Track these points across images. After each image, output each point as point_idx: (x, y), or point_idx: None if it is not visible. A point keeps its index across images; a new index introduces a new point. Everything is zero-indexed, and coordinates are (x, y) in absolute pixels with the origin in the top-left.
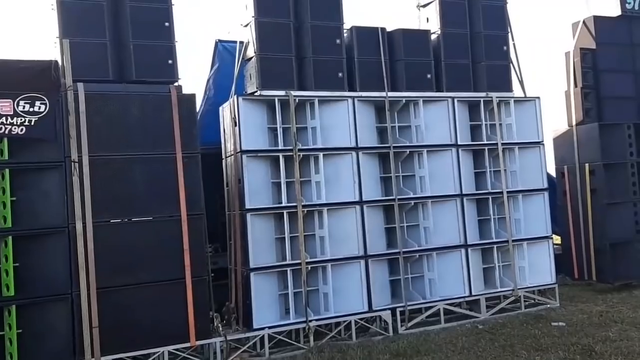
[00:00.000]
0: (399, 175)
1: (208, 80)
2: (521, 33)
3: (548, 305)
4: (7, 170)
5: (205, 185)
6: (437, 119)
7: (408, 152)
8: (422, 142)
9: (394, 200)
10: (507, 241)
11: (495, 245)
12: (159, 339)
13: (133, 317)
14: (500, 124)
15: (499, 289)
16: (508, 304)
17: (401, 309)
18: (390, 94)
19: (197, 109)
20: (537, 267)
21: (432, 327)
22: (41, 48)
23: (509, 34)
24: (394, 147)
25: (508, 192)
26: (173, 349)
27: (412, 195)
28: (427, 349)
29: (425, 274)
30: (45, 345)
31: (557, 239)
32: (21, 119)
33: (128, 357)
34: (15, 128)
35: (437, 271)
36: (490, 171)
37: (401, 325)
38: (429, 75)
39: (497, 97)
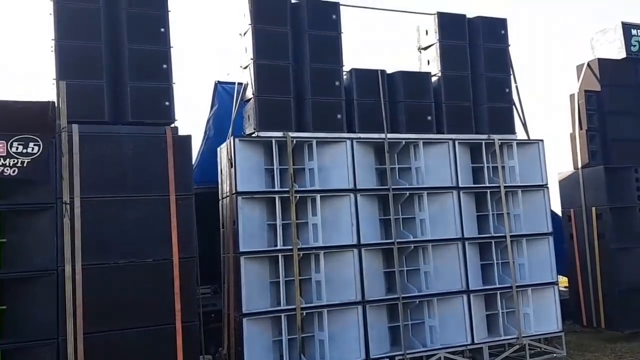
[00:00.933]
0: (399, 218)
1: (208, 121)
2: (524, 75)
3: (554, 355)
4: None
5: (206, 225)
6: (437, 160)
7: (408, 194)
8: (423, 185)
9: (393, 243)
10: (511, 287)
11: (498, 292)
12: None
13: None
14: (503, 167)
15: (503, 337)
16: (512, 352)
17: (400, 357)
18: (389, 135)
19: (198, 149)
20: (542, 314)
21: None
22: (37, 88)
23: (512, 76)
24: (394, 189)
25: (512, 236)
26: None
27: (412, 239)
28: None
29: (426, 321)
30: None
31: (564, 281)
32: (14, 160)
33: None
34: (7, 169)
35: (438, 318)
36: (493, 214)
37: None
38: (429, 117)
39: (499, 139)
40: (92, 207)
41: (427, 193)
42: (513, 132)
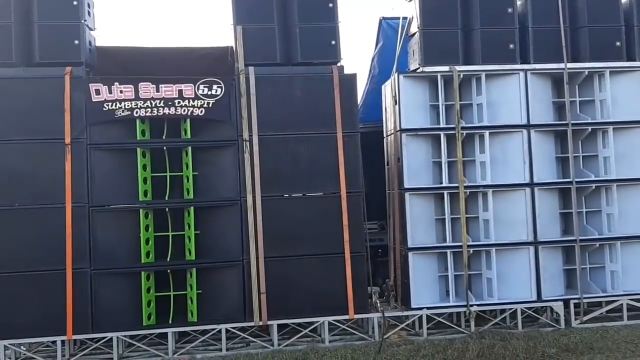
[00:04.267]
0: (579, 156)
1: (373, 59)
2: None
3: None
4: (189, 148)
5: (373, 163)
6: (628, 92)
7: (590, 130)
8: (608, 119)
9: (571, 183)
10: None
11: None
12: (320, 309)
13: (296, 287)
14: None
15: None
16: None
17: (576, 301)
18: (570, 65)
19: (363, 88)
20: None
21: (612, 324)
22: (212, 34)
23: None
24: (573, 124)
25: None
26: (333, 320)
27: (593, 178)
28: (602, 347)
29: (607, 265)
30: (221, 306)
31: None
32: (201, 102)
33: (292, 323)
34: (196, 110)
35: (622, 263)
36: None
37: (575, 319)
38: (618, 43)
39: None
40: (268, 144)
41: (613, 128)
42: None
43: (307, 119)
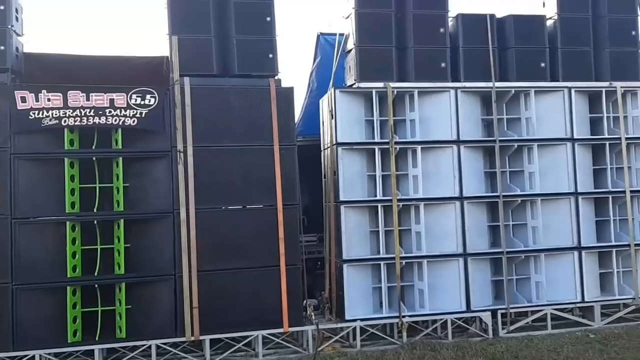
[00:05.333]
0: (506, 171)
1: (311, 74)
2: None
3: None
4: (120, 159)
5: (311, 176)
6: (550, 110)
7: (516, 146)
8: (533, 136)
9: (498, 196)
10: (628, 245)
11: (614, 249)
12: (254, 323)
13: (230, 300)
14: (625, 117)
15: (617, 297)
16: (627, 313)
17: (503, 311)
18: (497, 84)
19: (302, 102)
20: None
21: (537, 333)
22: (150, 44)
23: (638, 17)
24: (500, 140)
25: (632, 191)
26: (267, 333)
27: (519, 192)
28: (527, 355)
29: (532, 276)
30: (151, 321)
31: None
32: (133, 111)
33: (226, 337)
34: (128, 120)
35: (546, 274)
36: (611, 168)
37: (502, 329)
38: (542, 64)
39: (622, 87)
40: (203, 156)
41: (538, 145)
42: (638, 79)
43: (243, 131)
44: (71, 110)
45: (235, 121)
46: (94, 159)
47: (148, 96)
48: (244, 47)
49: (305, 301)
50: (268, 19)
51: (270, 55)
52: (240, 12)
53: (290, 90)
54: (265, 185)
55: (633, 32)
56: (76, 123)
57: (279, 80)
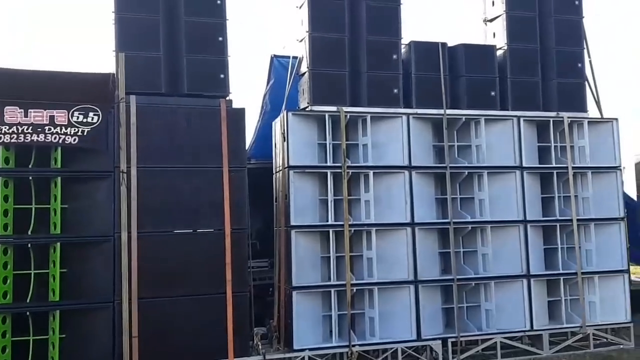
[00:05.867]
0: (457, 198)
1: (264, 96)
2: (601, 49)
3: (621, 346)
4: (59, 179)
5: (265, 200)
6: (500, 139)
7: (467, 174)
8: (483, 163)
9: (449, 223)
10: (576, 273)
11: (562, 277)
12: (198, 354)
13: (173, 330)
14: (572, 146)
15: (565, 325)
16: (575, 341)
17: (453, 339)
18: (449, 111)
19: (255, 124)
20: (609, 303)
21: None
22: (98, 60)
23: (585, 50)
24: (451, 167)
25: (579, 220)
26: None
27: (469, 219)
28: None
29: (482, 304)
30: (86, 352)
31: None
32: (75, 129)
33: None
34: (68, 138)
35: (496, 302)
36: (559, 197)
37: (453, 357)
38: (493, 93)
39: (568, 117)
40: (148, 177)
41: (488, 172)
42: (584, 109)
43: (191, 152)
44: (7, 127)
45: (183, 142)
46: (30, 178)
47: (91, 114)
48: (194, 66)
49: (253, 330)
50: (220, 38)
51: (222, 76)
52: (192, 31)
53: (241, 111)
54: (212, 209)
55: (579, 64)
56: (12, 140)
57: (230, 101)
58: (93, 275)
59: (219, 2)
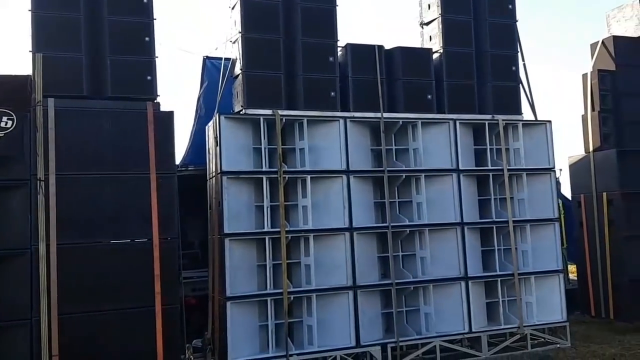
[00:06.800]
0: (395, 201)
1: (198, 99)
2: (535, 53)
3: (558, 346)
4: None
5: (203, 207)
6: (437, 142)
7: (404, 177)
8: (420, 167)
9: (387, 227)
10: (512, 274)
11: (499, 279)
12: None
13: (97, 347)
14: (507, 149)
15: (503, 326)
16: (513, 342)
17: (393, 344)
18: (386, 114)
19: (191, 129)
20: (546, 303)
21: None
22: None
23: (519, 54)
24: (389, 170)
25: (515, 221)
26: None
27: (407, 223)
28: None
29: (421, 308)
30: None
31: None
32: None
33: None
34: None
35: (434, 305)
36: (495, 199)
37: None
38: (429, 96)
39: (503, 120)
40: (68, 185)
41: (425, 175)
42: (519, 112)
43: (116, 158)
44: None
45: (106, 147)
46: None
47: (5, 118)
48: (119, 68)
49: (185, 344)
50: (147, 39)
51: (149, 78)
52: (116, 31)
53: (169, 115)
54: (140, 218)
55: (514, 68)
56: None
57: (158, 104)
58: (8, 290)
59: (145, 0)
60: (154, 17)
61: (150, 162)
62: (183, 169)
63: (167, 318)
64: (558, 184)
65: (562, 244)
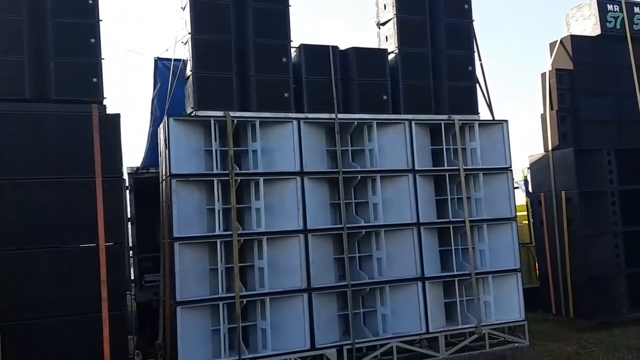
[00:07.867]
0: (351, 202)
1: (152, 100)
2: (492, 53)
3: (516, 345)
4: None
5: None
6: (393, 142)
7: (360, 178)
8: (376, 167)
9: (342, 229)
10: (469, 274)
11: (456, 279)
12: None
13: (42, 356)
14: (464, 149)
15: (461, 326)
16: (472, 341)
17: (348, 346)
18: (341, 115)
19: (148, 130)
20: (504, 303)
21: None
22: None
23: (476, 54)
24: (344, 172)
25: (471, 221)
26: None
27: (362, 224)
28: None
29: (378, 309)
30: None
31: None
32: None
33: None
34: None
35: (391, 306)
36: (452, 199)
37: None
38: (385, 97)
39: (459, 120)
40: (8, 190)
41: (381, 176)
42: (476, 112)
43: (59, 163)
44: None
45: (49, 152)
46: None
47: None
48: (63, 70)
49: (134, 351)
50: (92, 40)
51: (95, 80)
52: (60, 32)
53: (116, 117)
54: (85, 223)
55: (470, 68)
56: None
57: (104, 107)
58: None
59: (90, 1)
60: (100, 19)
61: (95, 165)
62: (144, 170)
63: (115, 324)
64: (526, 182)
65: (530, 242)
